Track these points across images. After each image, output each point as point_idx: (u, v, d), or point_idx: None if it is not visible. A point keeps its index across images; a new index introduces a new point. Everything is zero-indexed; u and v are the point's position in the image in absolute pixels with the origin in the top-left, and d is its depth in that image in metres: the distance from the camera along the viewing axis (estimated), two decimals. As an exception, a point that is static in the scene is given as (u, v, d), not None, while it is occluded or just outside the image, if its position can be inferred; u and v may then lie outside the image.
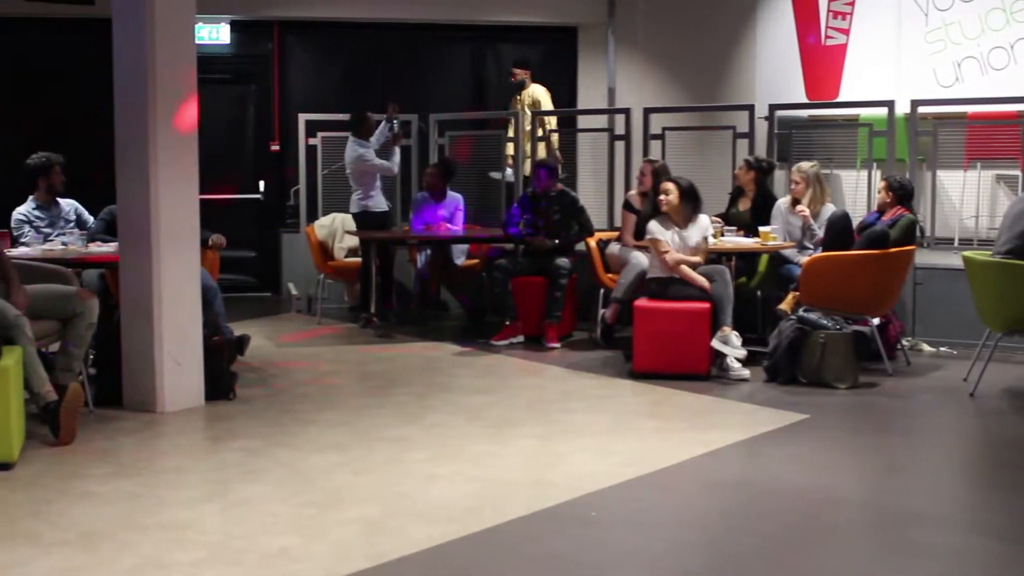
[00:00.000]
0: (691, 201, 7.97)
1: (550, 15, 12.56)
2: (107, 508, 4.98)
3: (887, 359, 7.91)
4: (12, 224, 8.11)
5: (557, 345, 8.97)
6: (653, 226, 7.98)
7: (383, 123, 10.33)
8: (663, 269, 7.90)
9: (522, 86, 11.53)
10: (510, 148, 11.12)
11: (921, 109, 9.25)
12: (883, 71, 10.40)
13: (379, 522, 4.80)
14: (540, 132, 11.20)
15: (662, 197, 7.99)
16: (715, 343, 7.62)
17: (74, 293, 6.49)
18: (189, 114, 6.82)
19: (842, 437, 6.35)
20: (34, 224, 8.16)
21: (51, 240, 8.05)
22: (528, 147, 10.97)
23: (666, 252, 7.85)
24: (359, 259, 10.15)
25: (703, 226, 8.03)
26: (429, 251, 10.35)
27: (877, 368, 7.87)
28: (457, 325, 10.28)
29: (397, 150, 10.37)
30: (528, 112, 11.20)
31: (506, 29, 12.87)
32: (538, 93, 11.49)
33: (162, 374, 6.78)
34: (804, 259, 8.15)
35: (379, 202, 10.29)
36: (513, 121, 11.09)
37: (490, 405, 7.02)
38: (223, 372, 7.16)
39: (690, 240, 7.95)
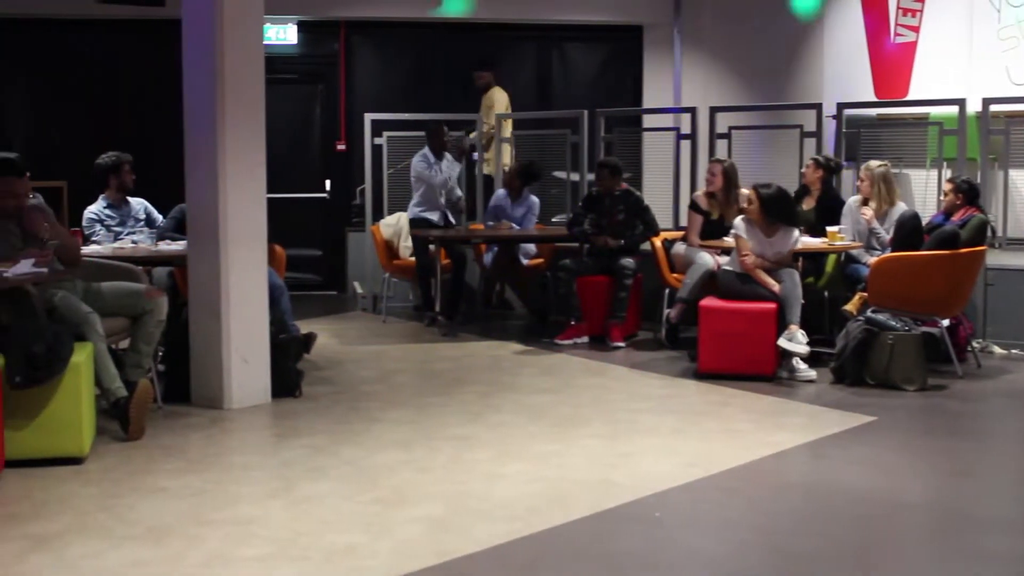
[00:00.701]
0: (774, 214, 7.82)
1: (616, 14, 12.53)
2: (175, 503, 5.04)
3: (957, 361, 7.80)
4: (83, 223, 8.23)
5: (622, 345, 8.95)
6: (739, 224, 7.94)
7: (452, 158, 10.36)
8: (737, 264, 7.87)
9: (486, 89, 11.69)
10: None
11: (993, 107, 9.11)
12: (954, 69, 10.25)
13: (444, 520, 4.81)
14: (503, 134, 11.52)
15: (745, 204, 7.96)
16: (781, 341, 7.55)
17: (144, 291, 6.58)
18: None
19: (910, 440, 6.27)
20: (105, 223, 8.27)
21: (121, 239, 8.15)
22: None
23: (745, 256, 7.79)
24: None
25: (789, 240, 7.90)
26: (496, 249, 10.39)
27: (946, 370, 7.76)
28: (521, 324, 10.29)
29: (458, 166, 10.40)
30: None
31: (572, 28, 12.86)
32: (495, 97, 11.60)
33: (229, 371, 6.85)
34: (872, 259, 8.06)
35: (434, 214, 10.32)
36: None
37: (554, 404, 7.02)
38: (289, 369, 7.21)
39: (770, 248, 7.86)
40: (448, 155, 10.23)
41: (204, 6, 6.75)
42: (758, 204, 7.82)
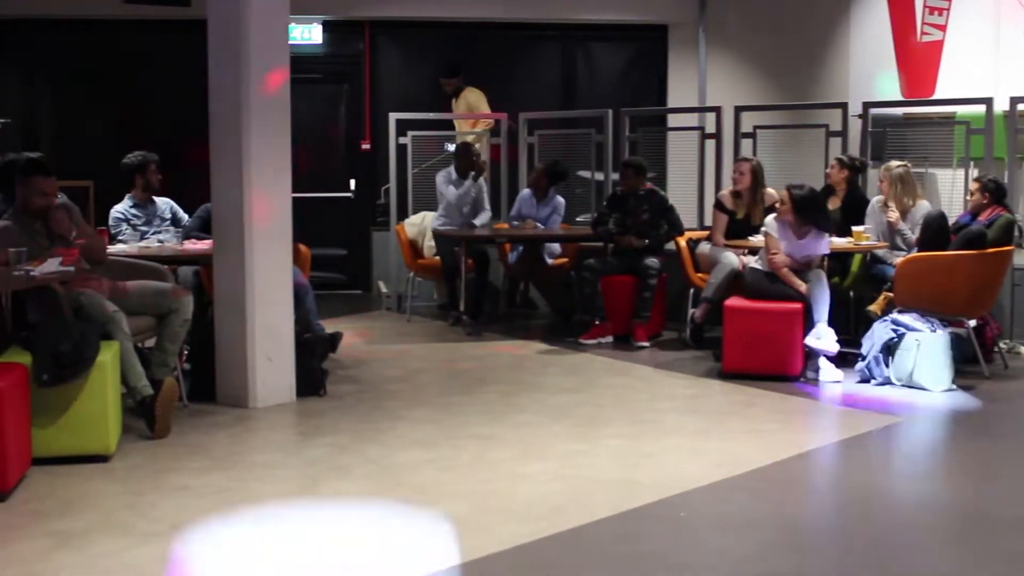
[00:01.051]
0: (804, 215, 7.76)
1: (640, 13, 12.51)
2: (199, 501, 5.06)
3: (984, 362, 7.74)
4: (110, 222, 8.26)
5: (646, 344, 8.93)
6: (770, 223, 7.91)
7: (469, 182, 10.40)
8: (765, 263, 7.84)
9: (458, 93, 11.78)
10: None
11: (1020, 106, 9.02)
12: (981, 67, 10.17)
13: (466, 519, 4.81)
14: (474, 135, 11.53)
15: (778, 205, 7.92)
16: (809, 340, 7.53)
17: (170, 290, 6.61)
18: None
19: (937, 441, 6.24)
20: (131, 222, 8.30)
21: (147, 238, 8.18)
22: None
23: (775, 254, 7.76)
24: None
25: (820, 244, 7.85)
26: (520, 248, 10.40)
27: (973, 371, 7.70)
28: (546, 324, 10.28)
29: (482, 188, 10.57)
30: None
31: (596, 27, 12.85)
32: (472, 97, 11.72)
33: (254, 370, 6.87)
34: (898, 259, 8.02)
35: (454, 229, 10.35)
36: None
37: (578, 404, 7.01)
38: (314, 368, 7.23)
39: (801, 251, 7.82)
40: (472, 175, 10.29)
41: (230, 7, 6.77)
42: (790, 205, 7.78)
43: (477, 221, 10.41)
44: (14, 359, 5.49)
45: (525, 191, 10.61)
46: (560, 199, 10.51)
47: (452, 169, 10.37)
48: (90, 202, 10.47)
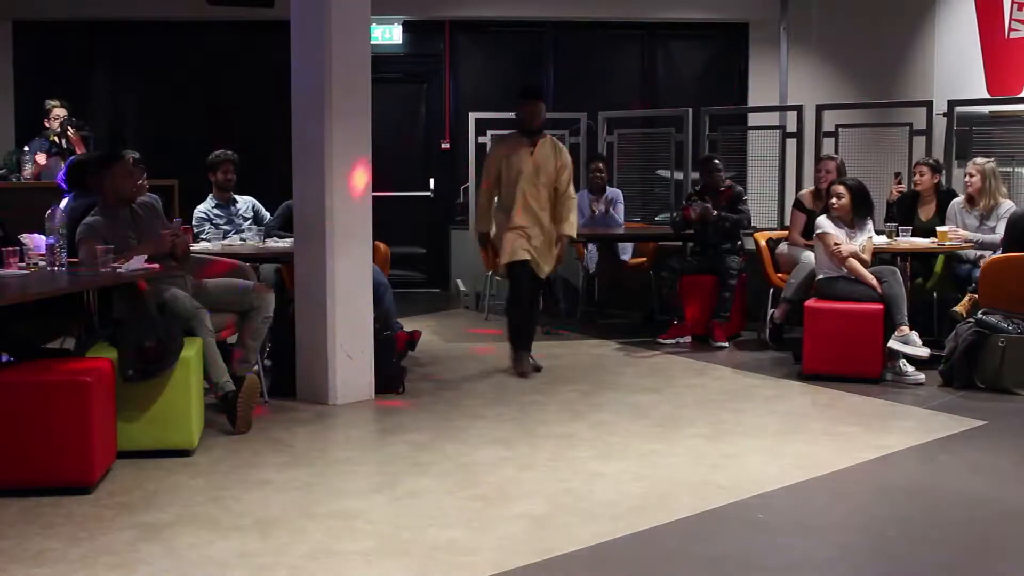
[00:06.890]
0: (862, 204, 7.80)
1: (721, 11, 12.44)
2: (281, 496, 5.12)
3: (1072, 364, 7.59)
4: (193, 221, 8.38)
5: (725, 345, 8.87)
6: (823, 222, 7.82)
7: None
8: (831, 268, 7.74)
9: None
10: None
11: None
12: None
13: (545, 518, 4.82)
14: None
15: (833, 200, 7.82)
16: (894, 343, 7.42)
17: (252, 287, 6.69)
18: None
19: (1022, 445, 6.12)
20: (214, 221, 8.42)
21: (230, 236, 8.29)
22: None
23: (838, 244, 7.66)
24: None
25: (868, 230, 7.86)
26: (594, 248, 10.36)
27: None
28: (624, 323, 10.25)
29: None
30: None
31: (676, 26, 12.79)
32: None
33: (334, 367, 6.94)
34: (982, 260, 7.88)
35: None
36: None
37: (656, 404, 6.99)
38: (393, 366, 7.28)
39: (856, 242, 7.76)
40: None
41: (313, 7, 6.84)
42: (849, 197, 7.74)
43: None
44: (100, 354, 5.60)
45: (580, 192, 10.52)
46: (616, 190, 10.47)
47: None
48: (175, 201, 10.63)
